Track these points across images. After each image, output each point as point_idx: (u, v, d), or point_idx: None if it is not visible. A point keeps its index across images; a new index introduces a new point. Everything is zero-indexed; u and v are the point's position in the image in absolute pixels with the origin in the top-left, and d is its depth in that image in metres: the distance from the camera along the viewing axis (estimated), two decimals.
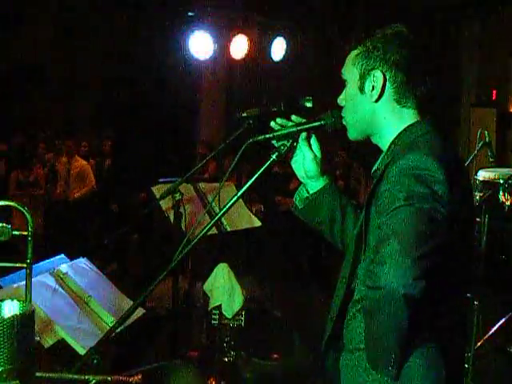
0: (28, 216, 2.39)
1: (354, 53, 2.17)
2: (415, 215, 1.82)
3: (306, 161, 2.38)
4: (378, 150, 2.20)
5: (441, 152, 1.95)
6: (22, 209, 2.43)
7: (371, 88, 2.11)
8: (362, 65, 2.12)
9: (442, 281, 1.86)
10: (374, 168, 2.16)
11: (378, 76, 2.09)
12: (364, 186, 9.18)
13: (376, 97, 2.11)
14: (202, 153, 9.90)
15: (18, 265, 2.50)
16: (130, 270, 8.98)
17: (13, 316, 1.58)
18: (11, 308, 1.64)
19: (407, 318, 1.80)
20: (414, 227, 1.81)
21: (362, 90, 2.13)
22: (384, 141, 2.14)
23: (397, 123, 2.11)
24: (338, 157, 9.68)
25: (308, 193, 2.44)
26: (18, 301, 1.65)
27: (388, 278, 1.77)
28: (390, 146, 2.10)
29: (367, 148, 2.38)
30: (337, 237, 2.43)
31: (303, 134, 2.35)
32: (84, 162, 9.69)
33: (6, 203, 2.54)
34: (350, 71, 2.17)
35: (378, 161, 2.15)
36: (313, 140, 2.38)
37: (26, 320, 1.59)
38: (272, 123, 2.38)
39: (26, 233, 2.39)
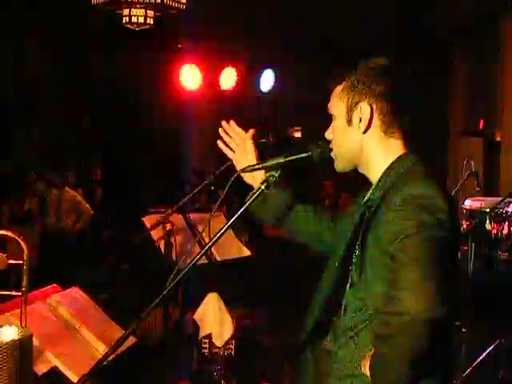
0: (23, 244, 2.43)
1: (339, 88, 2.23)
2: (428, 243, 1.89)
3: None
4: (366, 181, 2.25)
5: (435, 180, 2.04)
6: (16, 238, 2.47)
7: (359, 120, 2.17)
8: (349, 98, 2.19)
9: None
10: (365, 199, 2.22)
11: (364, 108, 2.16)
12: None
13: (364, 128, 2.17)
14: (194, 182, 9.93)
15: (13, 293, 2.54)
16: (120, 299, 8.93)
17: (12, 341, 1.62)
18: (9, 333, 1.67)
19: (426, 343, 1.84)
20: (429, 254, 1.88)
21: (349, 122, 2.19)
22: (372, 171, 2.21)
23: (384, 153, 2.17)
24: (326, 187, 9.72)
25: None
26: (16, 326, 1.68)
27: (412, 303, 1.81)
28: (381, 177, 2.16)
29: (355, 179, 2.44)
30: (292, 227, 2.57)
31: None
32: (74, 193, 9.67)
33: (1, 232, 2.58)
34: (337, 106, 2.23)
35: (370, 191, 2.21)
36: None
37: (24, 344, 1.62)
38: None
39: (21, 261, 2.43)
